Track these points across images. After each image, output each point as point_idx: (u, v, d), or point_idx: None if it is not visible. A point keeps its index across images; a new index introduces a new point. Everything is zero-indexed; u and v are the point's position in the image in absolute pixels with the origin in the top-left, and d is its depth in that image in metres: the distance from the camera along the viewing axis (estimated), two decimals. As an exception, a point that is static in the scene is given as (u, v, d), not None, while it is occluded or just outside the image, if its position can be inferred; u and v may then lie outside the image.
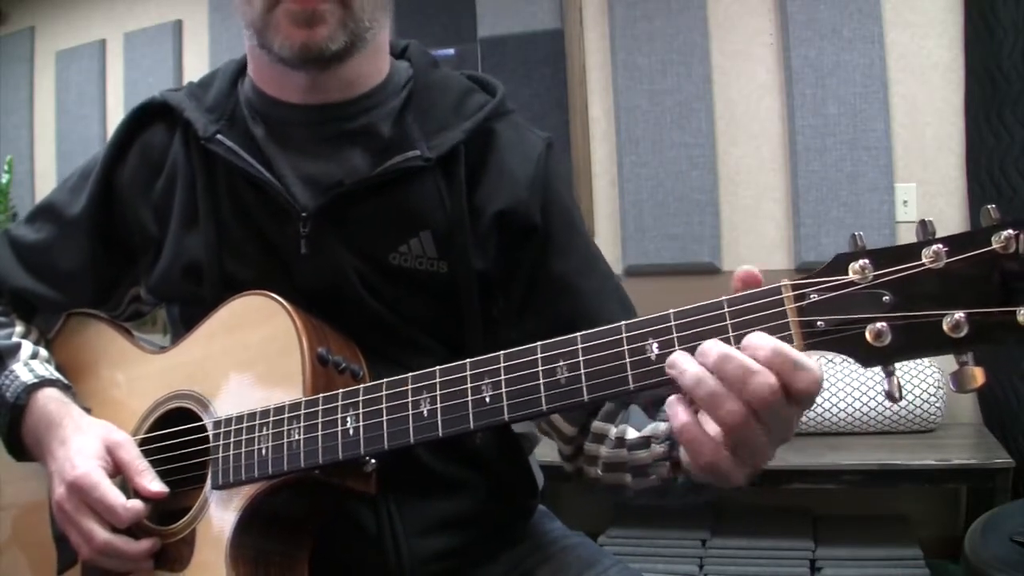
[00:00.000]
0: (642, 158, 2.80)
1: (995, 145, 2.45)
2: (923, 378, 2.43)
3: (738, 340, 0.64)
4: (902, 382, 2.52)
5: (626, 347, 0.68)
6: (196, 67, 3.29)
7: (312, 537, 0.87)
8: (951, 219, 2.55)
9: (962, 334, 0.58)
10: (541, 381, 0.71)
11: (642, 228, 2.80)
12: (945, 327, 0.59)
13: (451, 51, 3.00)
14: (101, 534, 0.83)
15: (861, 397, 2.47)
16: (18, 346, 0.98)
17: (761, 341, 0.62)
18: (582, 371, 0.69)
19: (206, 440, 0.86)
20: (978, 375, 0.60)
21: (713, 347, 0.64)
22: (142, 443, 0.90)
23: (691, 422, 0.65)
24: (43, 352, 1.00)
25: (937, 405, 2.42)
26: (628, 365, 0.68)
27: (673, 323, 0.67)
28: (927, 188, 2.59)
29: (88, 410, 0.94)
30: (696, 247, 2.74)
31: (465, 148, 0.93)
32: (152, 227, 0.97)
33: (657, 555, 2.50)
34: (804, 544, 2.43)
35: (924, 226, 0.61)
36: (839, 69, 2.61)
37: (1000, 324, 0.58)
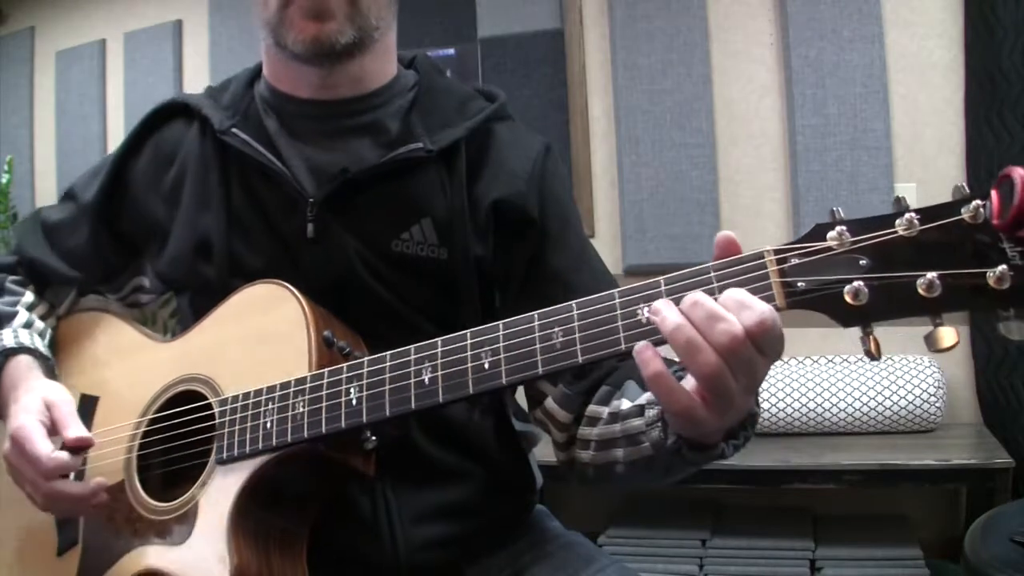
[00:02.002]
0: (642, 158, 2.80)
1: (995, 145, 2.45)
2: (923, 378, 2.44)
3: None
4: (902, 382, 2.52)
5: (619, 311, 0.71)
6: (196, 67, 3.29)
7: (312, 518, 0.89)
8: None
9: (936, 294, 0.61)
10: (538, 346, 0.74)
11: (642, 228, 2.80)
12: (919, 287, 0.62)
13: (451, 51, 3.00)
14: (42, 484, 0.89)
15: (861, 397, 2.47)
16: (14, 314, 1.05)
17: (733, 294, 0.66)
18: (577, 335, 0.73)
19: (212, 419, 0.88)
20: (950, 335, 0.63)
21: (691, 295, 0.67)
22: (150, 423, 0.94)
23: (665, 371, 0.68)
24: (38, 324, 1.07)
25: (937, 405, 2.42)
26: (620, 328, 0.71)
27: (663, 288, 0.70)
28: (927, 188, 2.59)
29: (96, 399, 1.01)
30: (696, 247, 2.74)
31: (466, 144, 0.98)
32: (161, 214, 1.02)
33: (657, 555, 2.50)
34: (804, 544, 2.43)
35: (899, 201, 0.64)
36: (839, 69, 2.61)
37: (972, 286, 0.61)
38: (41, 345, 1.04)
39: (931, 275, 0.61)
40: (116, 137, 3.35)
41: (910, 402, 2.43)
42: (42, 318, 1.09)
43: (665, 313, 0.67)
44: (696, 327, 0.65)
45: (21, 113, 3.56)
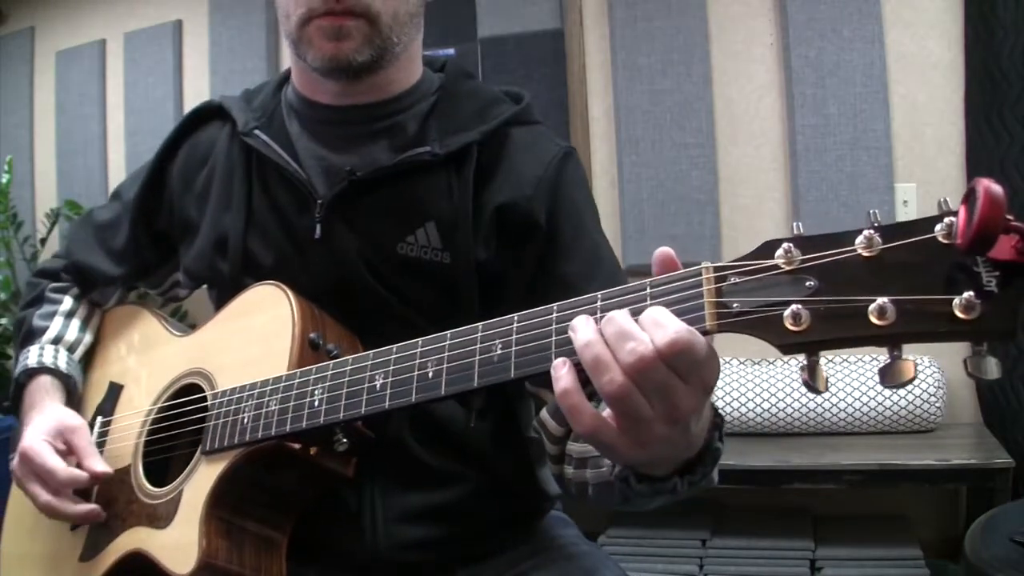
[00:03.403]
0: (642, 158, 2.80)
1: (995, 145, 2.45)
2: (923, 378, 2.43)
3: None
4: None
5: (554, 326, 0.69)
6: (196, 67, 3.29)
7: (294, 517, 0.93)
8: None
9: (888, 321, 0.54)
10: (477, 358, 0.72)
11: (642, 228, 2.80)
12: (870, 314, 0.55)
13: (451, 51, 3.00)
14: (43, 495, 0.96)
15: (861, 397, 2.47)
16: (45, 329, 1.12)
17: (652, 313, 0.62)
18: (513, 349, 0.70)
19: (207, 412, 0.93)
20: (908, 369, 0.56)
21: (611, 312, 0.63)
22: (159, 411, 1.00)
23: (573, 389, 0.64)
24: (69, 334, 1.13)
25: (937, 405, 2.42)
26: (553, 343, 0.68)
27: (599, 303, 0.67)
28: (927, 188, 2.59)
29: (121, 387, 1.08)
30: (696, 247, 2.74)
31: (480, 149, 0.97)
32: (193, 213, 1.06)
33: (657, 555, 2.50)
34: (804, 544, 2.43)
35: (869, 216, 0.58)
36: (839, 69, 2.61)
37: (931, 313, 0.54)
38: (64, 362, 1.10)
39: (882, 300, 0.54)
40: (116, 137, 3.35)
41: (910, 402, 2.43)
42: (83, 321, 1.15)
43: (580, 329, 0.64)
44: (607, 344, 0.62)
45: (21, 113, 3.56)
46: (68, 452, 0.99)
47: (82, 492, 1.00)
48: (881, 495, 2.63)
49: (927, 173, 2.60)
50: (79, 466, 0.97)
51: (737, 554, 2.46)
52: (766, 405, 2.54)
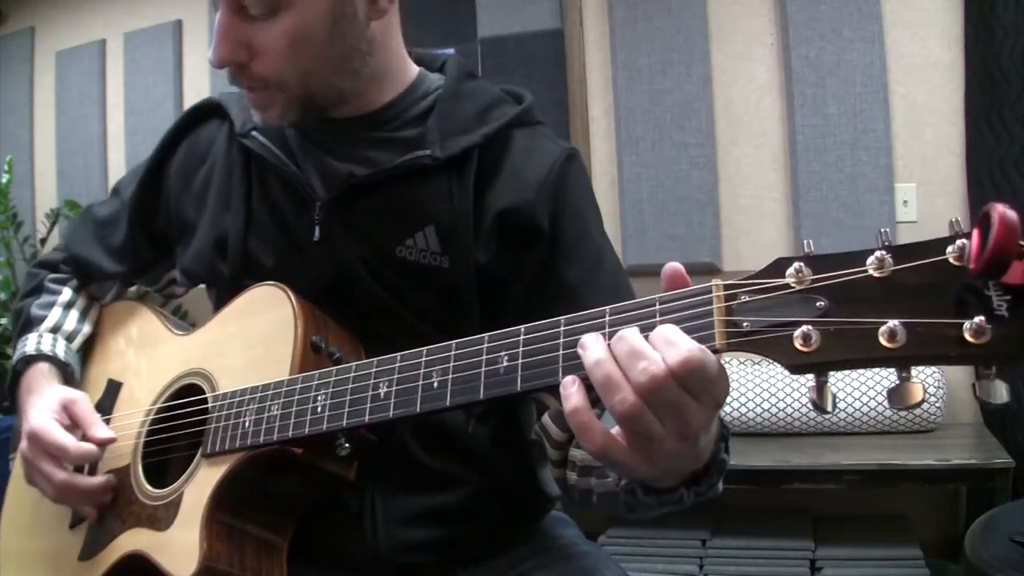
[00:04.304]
0: (642, 158, 2.80)
1: (995, 145, 2.45)
2: (922, 378, 2.44)
3: None
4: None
5: (562, 340, 0.68)
6: (196, 67, 3.29)
7: (295, 520, 0.92)
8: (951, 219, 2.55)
9: (898, 344, 0.54)
10: (483, 370, 0.72)
11: (642, 228, 2.80)
12: (880, 336, 0.55)
13: (451, 51, 2.99)
14: (59, 474, 0.95)
15: (861, 397, 2.47)
16: (43, 318, 1.11)
17: (664, 331, 0.61)
18: (519, 361, 0.70)
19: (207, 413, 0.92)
20: (916, 391, 0.57)
21: (621, 330, 0.63)
22: (159, 411, 0.99)
23: (583, 407, 0.64)
24: (68, 324, 1.13)
25: (937, 405, 2.43)
26: (560, 358, 0.68)
27: (608, 318, 0.66)
28: (927, 188, 2.60)
29: (120, 384, 1.07)
30: (696, 247, 2.74)
31: (482, 152, 0.96)
32: (191, 213, 1.06)
33: (657, 555, 2.50)
34: (804, 544, 2.43)
35: (880, 235, 0.58)
36: (839, 69, 2.61)
37: (942, 337, 0.54)
38: (63, 350, 1.09)
39: (893, 323, 0.54)
40: (116, 137, 3.36)
41: (910, 402, 2.43)
42: (82, 312, 1.15)
43: (590, 347, 0.63)
44: (618, 363, 0.61)
45: (21, 113, 3.56)
46: (72, 425, 0.98)
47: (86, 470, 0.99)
48: (881, 495, 2.63)
49: (927, 173, 2.60)
50: (83, 437, 0.97)
51: (737, 554, 2.47)
52: (766, 405, 2.54)
